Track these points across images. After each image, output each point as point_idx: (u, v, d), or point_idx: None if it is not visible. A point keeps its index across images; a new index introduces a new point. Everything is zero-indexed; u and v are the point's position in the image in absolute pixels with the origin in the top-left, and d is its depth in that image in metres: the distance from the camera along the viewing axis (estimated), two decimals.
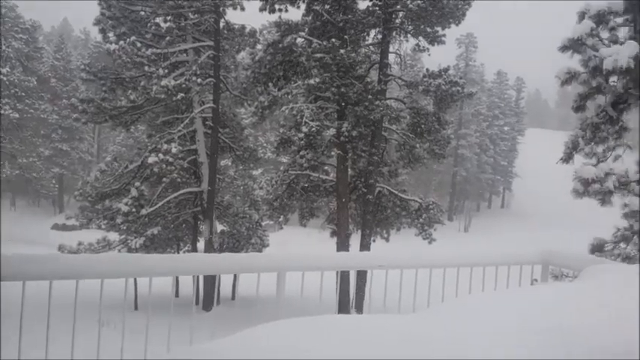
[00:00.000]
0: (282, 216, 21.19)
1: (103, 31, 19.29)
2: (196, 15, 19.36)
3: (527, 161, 66.20)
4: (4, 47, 41.51)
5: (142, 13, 19.33)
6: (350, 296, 17.42)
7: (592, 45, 10.94)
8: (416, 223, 20.04)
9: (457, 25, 18.49)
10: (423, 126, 19.00)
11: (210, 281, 18.39)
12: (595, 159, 11.56)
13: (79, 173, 48.95)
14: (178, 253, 23.49)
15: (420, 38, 19.16)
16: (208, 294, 19.36)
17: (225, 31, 20.32)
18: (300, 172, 19.26)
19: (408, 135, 19.62)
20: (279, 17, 17.92)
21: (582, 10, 11.45)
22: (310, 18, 18.34)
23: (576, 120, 12.29)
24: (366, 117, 17.43)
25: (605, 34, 11.57)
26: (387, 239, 21.80)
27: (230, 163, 25.14)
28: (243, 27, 20.54)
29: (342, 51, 16.49)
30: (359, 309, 17.88)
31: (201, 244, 21.83)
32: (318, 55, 16.45)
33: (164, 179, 19.29)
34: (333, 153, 19.46)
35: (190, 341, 3.23)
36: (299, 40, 17.66)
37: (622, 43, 10.54)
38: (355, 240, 19.67)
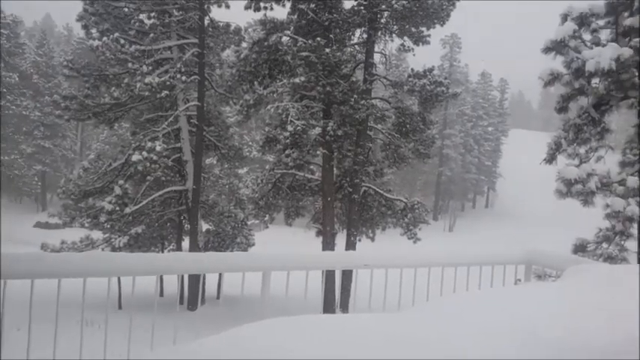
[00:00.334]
0: (267, 215, 21.17)
1: (86, 27, 19.07)
2: (181, 12, 19.25)
3: (510, 162, 66.85)
4: None
5: (126, 9, 19.16)
6: (335, 295, 17.44)
7: (574, 47, 11.07)
8: (401, 223, 20.12)
9: (442, 25, 18.61)
10: (408, 126, 19.08)
11: (195, 280, 18.29)
12: (577, 160, 11.70)
13: (61, 171, 48.34)
14: (163, 252, 23.34)
15: (405, 38, 19.24)
16: (193, 293, 19.26)
17: (210, 29, 20.22)
18: (286, 171, 19.24)
19: (393, 135, 19.69)
20: (265, 15, 17.87)
21: (565, 12, 11.58)
22: (296, 16, 18.32)
23: (559, 121, 12.43)
24: (352, 116, 17.46)
25: (587, 36, 11.71)
26: (372, 239, 21.86)
27: (215, 162, 25.02)
28: (228, 25, 20.45)
29: (327, 50, 16.49)
30: (344, 308, 17.90)
31: (186, 243, 21.70)
32: (304, 54, 16.44)
33: (148, 177, 19.15)
34: (318, 152, 19.47)
35: (174, 341, 3.21)
36: (284, 39, 17.63)
37: (604, 45, 10.68)
38: (341, 239, 19.70)
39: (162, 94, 17.68)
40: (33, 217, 45.31)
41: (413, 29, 18.69)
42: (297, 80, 16.36)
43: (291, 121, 16.69)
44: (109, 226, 18.89)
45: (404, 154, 20.17)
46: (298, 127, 16.79)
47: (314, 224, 21.93)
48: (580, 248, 11.55)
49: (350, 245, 19.19)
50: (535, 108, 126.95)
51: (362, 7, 17.96)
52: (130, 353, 3.17)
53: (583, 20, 11.56)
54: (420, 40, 19.04)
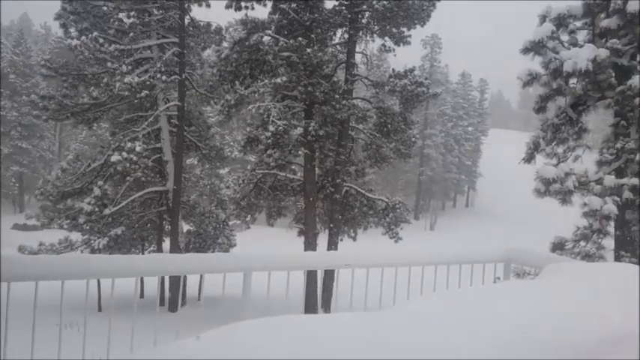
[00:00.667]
0: (249, 215, 21.07)
1: (64, 26, 18.81)
2: (161, 11, 19.10)
3: (490, 161, 67.53)
4: None
5: (105, 8, 18.94)
6: (317, 295, 17.45)
7: (552, 47, 11.23)
8: (383, 222, 20.20)
9: (422, 26, 18.72)
10: (389, 126, 19.16)
11: (176, 282, 18.13)
12: (556, 159, 11.87)
13: (39, 172, 47.63)
14: (143, 253, 23.13)
15: (386, 38, 19.31)
16: (174, 295, 19.10)
17: (191, 28, 20.11)
18: (268, 171, 19.19)
19: (374, 134, 19.76)
20: (246, 15, 17.80)
21: (543, 12, 11.74)
22: (277, 16, 18.29)
23: (538, 121, 12.60)
24: (333, 116, 17.48)
25: (565, 37, 11.89)
26: (354, 238, 21.90)
27: (196, 162, 24.87)
28: (208, 24, 20.35)
29: (308, 50, 16.48)
30: (326, 308, 17.93)
31: (166, 244, 21.53)
32: (285, 54, 16.41)
33: (128, 178, 18.97)
34: (300, 152, 19.45)
35: (155, 342, 3.18)
36: (266, 39, 17.57)
37: (581, 46, 10.86)
38: (323, 239, 19.71)
39: (142, 94, 17.53)
40: (10, 219, 44.50)
41: (394, 29, 18.77)
42: (278, 80, 16.32)
43: (272, 121, 16.64)
44: (88, 227, 18.66)
45: (385, 153, 20.25)
46: (280, 127, 16.75)
47: (296, 224, 21.91)
48: (558, 246, 11.71)
49: (332, 245, 19.21)
50: (514, 108, 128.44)
51: (343, 7, 17.99)
52: (110, 355, 3.13)
53: (561, 21, 11.74)
54: (400, 40, 19.14)
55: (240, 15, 18.05)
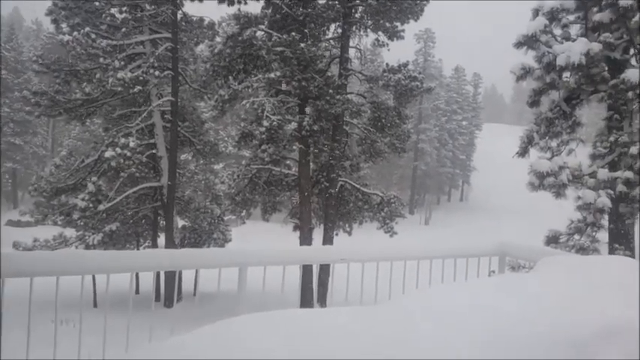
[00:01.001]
0: (244, 210, 21.06)
1: (55, 21, 18.67)
2: (153, 6, 18.97)
3: (484, 155, 67.70)
4: None
5: (97, 3, 18.81)
6: (313, 290, 17.48)
7: (546, 41, 11.24)
8: (378, 217, 20.23)
9: (416, 20, 18.70)
10: (383, 120, 19.17)
11: (172, 277, 18.14)
12: (549, 153, 11.91)
13: (33, 168, 47.38)
14: (138, 248, 23.10)
15: (380, 33, 19.27)
16: (170, 290, 19.11)
17: (183, 23, 20.00)
18: (262, 166, 19.16)
19: (369, 129, 19.75)
20: (239, 10, 17.72)
21: (536, 7, 11.75)
22: (270, 11, 18.23)
23: (531, 115, 12.64)
24: (327, 111, 17.46)
25: (558, 31, 11.91)
26: (349, 233, 21.93)
27: (190, 158, 24.80)
28: (201, 19, 20.25)
29: (302, 45, 16.43)
30: (322, 302, 17.96)
31: (161, 240, 21.50)
32: (279, 49, 16.36)
33: (122, 174, 18.89)
34: (294, 147, 19.43)
35: (150, 338, 3.18)
36: (259, 34, 17.51)
37: (574, 40, 10.87)
38: (318, 234, 19.72)
39: (135, 90, 17.44)
40: (4, 216, 44.29)
41: (387, 24, 18.73)
42: (272, 75, 16.28)
43: (266, 116, 16.61)
44: (82, 223, 18.61)
45: (380, 148, 20.26)
46: (274, 123, 16.73)
47: (291, 219, 21.91)
48: (553, 240, 11.77)
49: (327, 240, 19.23)
50: (508, 102, 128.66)
51: (336, 2, 17.94)
52: (105, 351, 3.13)
53: (554, 15, 11.75)
54: (394, 35, 19.10)
55: (233, 10, 17.99)
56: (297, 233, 19.70)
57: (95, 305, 16.91)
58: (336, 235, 20.33)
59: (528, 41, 11.35)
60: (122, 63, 17.89)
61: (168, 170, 19.95)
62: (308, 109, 18.06)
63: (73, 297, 3.55)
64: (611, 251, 11.33)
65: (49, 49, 37.73)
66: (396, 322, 1.73)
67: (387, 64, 19.46)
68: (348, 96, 18.77)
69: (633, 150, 10.29)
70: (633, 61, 11.36)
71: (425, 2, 18.15)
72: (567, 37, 11.75)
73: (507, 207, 55.40)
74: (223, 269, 3.47)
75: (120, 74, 17.04)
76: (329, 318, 1.79)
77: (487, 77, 72.13)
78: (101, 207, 18.25)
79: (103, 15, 18.85)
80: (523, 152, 12.42)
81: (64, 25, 18.67)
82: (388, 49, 20.03)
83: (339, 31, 19.30)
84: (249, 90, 17.13)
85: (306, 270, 14.83)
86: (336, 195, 19.45)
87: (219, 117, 19.99)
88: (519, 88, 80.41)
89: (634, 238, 11.69)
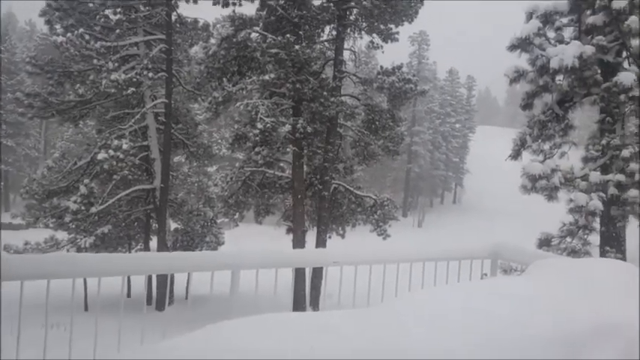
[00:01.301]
0: (237, 213, 21.02)
1: (49, 22, 18.60)
2: (147, 8, 18.94)
3: (477, 158, 67.92)
4: None
5: (91, 5, 18.75)
6: (306, 293, 17.46)
7: (539, 44, 11.29)
8: (371, 220, 20.24)
9: (410, 22, 18.76)
10: (377, 123, 19.19)
11: (163, 280, 18.06)
12: (542, 156, 11.96)
13: (25, 170, 47.11)
14: (130, 252, 23.00)
15: (374, 35, 19.32)
16: (161, 293, 19.02)
17: (178, 25, 19.98)
18: (256, 168, 19.14)
19: (362, 132, 19.77)
20: (233, 11, 17.73)
21: (530, 10, 11.80)
22: (265, 13, 18.22)
23: (524, 118, 12.68)
24: (322, 113, 17.47)
25: (551, 34, 11.96)
26: (342, 236, 21.94)
27: (184, 160, 24.73)
28: (196, 21, 20.23)
29: (297, 47, 16.44)
30: (315, 305, 17.93)
31: (153, 243, 21.42)
32: (273, 51, 16.36)
33: (115, 176, 18.81)
34: (288, 149, 19.42)
35: (141, 341, 3.16)
36: (253, 35, 17.51)
37: (567, 43, 10.92)
38: (311, 237, 19.71)
39: (129, 91, 17.40)
40: None
41: (382, 26, 18.78)
42: (266, 77, 16.27)
43: (260, 118, 16.60)
44: (74, 226, 18.52)
45: (373, 150, 20.28)
46: (268, 125, 16.71)
47: (284, 222, 21.90)
48: (545, 242, 11.80)
49: (320, 242, 19.22)
50: (501, 105, 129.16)
51: (331, 4, 17.97)
52: (96, 355, 3.11)
53: (547, 18, 11.81)
54: (388, 37, 19.15)
55: (227, 11, 17.99)
56: (290, 236, 19.69)
57: (86, 309, 16.83)
58: (330, 237, 20.33)
59: (522, 44, 11.40)
60: (116, 64, 17.85)
61: (162, 172, 19.89)
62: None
63: (64, 300, 3.53)
64: (603, 254, 11.38)
65: (43, 50, 37.55)
66: (390, 325, 1.73)
67: (381, 67, 19.50)
68: (342, 98, 18.79)
69: (625, 153, 10.35)
70: (626, 64, 11.43)
71: (419, 5, 18.22)
72: (561, 40, 11.81)
73: (500, 209, 55.59)
74: (215, 272, 3.46)
75: (113, 76, 16.99)
76: (322, 321, 1.78)
77: (482, 79, 72.45)
78: (93, 209, 18.16)
79: (97, 16, 18.78)
80: (516, 155, 12.46)
81: (57, 27, 18.61)
82: (382, 52, 20.09)
83: (334, 33, 19.33)
84: (244, 92, 17.11)
85: (299, 273, 14.82)
86: (329, 197, 19.45)
87: (213, 119, 19.97)
88: (513, 90, 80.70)
89: (625, 241, 11.74)
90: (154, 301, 19.63)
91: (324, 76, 18.65)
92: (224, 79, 17.55)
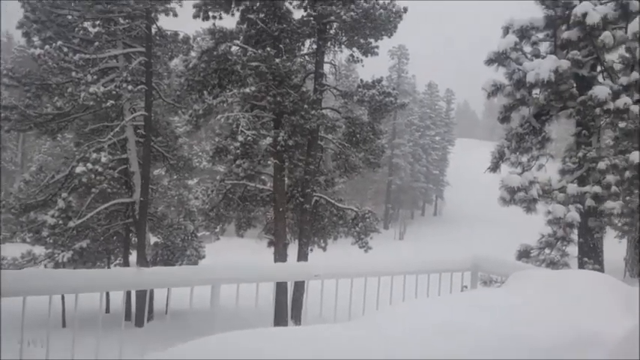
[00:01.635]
0: (218, 226, 20.87)
1: (27, 34, 18.37)
2: (127, 20, 18.85)
3: (457, 170, 68.54)
4: None
5: (69, 17, 18.58)
6: (287, 306, 17.34)
7: (516, 58, 11.49)
8: (352, 232, 20.23)
9: (389, 37, 18.94)
10: (358, 135, 19.28)
11: (142, 295, 17.82)
12: (520, 168, 12.11)
13: (1, 184, 46.30)
14: (109, 266, 22.69)
15: (354, 49, 19.46)
16: (141, 309, 18.74)
17: (158, 38, 19.90)
18: (237, 181, 19.05)
19: (343, 144, 19.83)
20: (214, 24, 17.73)
21: (507, 25, 12.01)
22: (245, 26, 18.26)
23: (502, 130, 12.84)
24: (302, 126, 17.50)
25: (528, 48, 12.18)
26: (324, 248, 21.89)
27: (164, 173, 24.53)
28: (176, 33, 20.17)
29: (277, 60, 16.49)
30: (297, 319, 17.83)
31: (133, 257, 21.14)
32: (254, 64, 16.38)
33: (93, 190, 18.58)
34: (269, 162, 19.39)
35: (120, 358, 3.11)
36: (234, 49, 17.53)
37: (543, 57, 11.13)
38: (293, 250, 19.63)
39: (108, 104, 17.24)
40: None
41: (361, 40, 18.93)
42: (247, 90, 16.27)
43: (241, 131, 16.56)
44: (51, 240, 18.20)
45: (354, 163, 20.34)
46: (249, 137, 16.68)
47: (266, 235, 21.78)
48: (524, 254, 11.91)
49: (302, 255, 19.15)
50: (480, 118, 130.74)
51: (311, 18, 18.08)
52: None
53: (524, 33, 12.03)
54: (368, 51, 19.31)
55: (207, 24, 18.01)
56: (272, 249, 19.59)
57: (64, 325, 16.51)
58: (311, 250, 20.27)
59: (499, 58, 11.59)
60: (95, 77, 17.69)
61: (141, 186, 19.69)
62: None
63: (41, 316, 3.46)
64: (581, 265, 11.52)
65: (20, 63, 37.08)
66: (371, 339, 1.73)
67: (361, 80, 19.63)
68: (323, 111, 18.86)
69: (601, 165, 10.54)
70: (600, 78, 11.67)
71: (398, 20, 18.40)
72: (537, 55, 12.02)
73: (480, 221, 56.05)
74: (196, 287, 3.43)
75: (92, 88, 16.84)
76: (303, 336, 1.77)
77: (461, 93, 73.42)
78: (71, 224, 17.89)
79: (76, 29, 18.62)
80: (494, 167, 12.61)
81: (35, 39, 18.39)
82: (362, 65, 20.24)
83: (314, 46, 19.43)
84: (224, 105, 17.08)
85: (281, 285, 14.73)
86: (310, 210, 19.43)
87: (193, 132, 19.88)
88: (491, 104, 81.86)
89: (602, 252, 11.92)
90: (133, 317, 19.31)
91: (304, 89, 18.71)
92: (204, 91, 17.51)
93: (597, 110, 10.41)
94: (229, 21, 18.36)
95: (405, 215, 61.04)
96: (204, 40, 17.58)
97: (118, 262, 22.39)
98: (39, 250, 19.20)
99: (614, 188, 10.41)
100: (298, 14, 18.70)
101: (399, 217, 60.38)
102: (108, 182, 18.34)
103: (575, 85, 11.42)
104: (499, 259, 4.32)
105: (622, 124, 11.08)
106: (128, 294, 18.40)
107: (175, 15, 19.15)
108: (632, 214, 14.81)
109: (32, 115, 18.60)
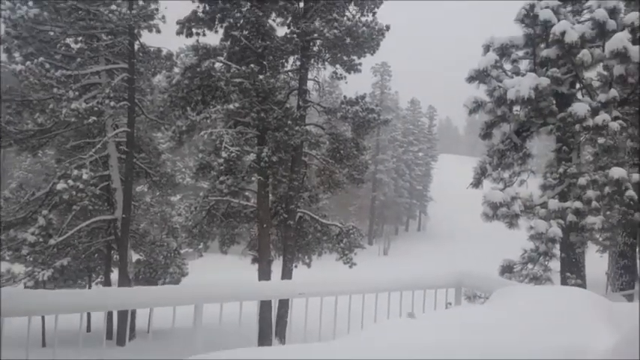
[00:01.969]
0: (201, 243, 20.70)
1: (8, 50, 18.22)
2: (110, 36, 18.81)
3: (440, 185, 69.03)
4: None
5: (51, 33, 18.47)
6: (272, 324, 17.20)
7: (496, 76, 11.66)
8: (337, 248, 20.18)
9: (372, 54, 19.11)
10: (342, 151, 19.35)
11: (124, 314, 17.53)
12: (502, 184, 12.23)
13: None
14: (90, 284, 22.36)
15: (337, 66, 19.60)
16: (122, 327, 18.45)
17: (141, 54, 19.86)
18: (221, 197, 18.96)
19: (327, 160, 19.87)
20: (197, 41, 17.77)
21: (487, 43, 12.20)
22: (229, 43, 18.32)
23: (484, 146, 12.98)
24: (286, 142, 17.52)
25: (508, 66, 12.38)
26: (308, 265, 21.80)
27: (146, 189, 24.34)
28: (159, 50, 20.15)
29: (261, 76, 16.54)
30: (281, 337, 17.67)
31: (115, 275, 20.85)
32: (237, 80, 16.41)
33: (74, 207, 18.35)
34: (253, 178, 19.34)
35: None
36: (218, 65, 17.55)
37: (523, 75, 11.32)
38: (277, 266, 19.52)
39: (90, 120, 17.11)
40: None
41: (344, 57, 19.08)
42: (231, 106, 16.27)
43: (225, 147, 16.53)
44: (32, 258, 17.91)
45: (338, 179, 20.36)
46: (233, 154, 16.64)
47: (250, 251, 21.65)
48: (507, 269, 11.98)
49: (286, 272, 19.05)
50: (462, 134, 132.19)
51: (295, 35, 18.20)
52: None
53: (504, 51, 12.23)
54: (351, 68, 19.46)
55: (191, 41, 18.04)
56: (256, 265, 19.47)
57: (44, 344, 16.19)
58: (296, 267, 20.18)
59: (480, 76, 11.75)
60: (77, 93, 17.56)
61: (123, 203, 19.51)
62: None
63: (20, 336, 3.39)
64: (563, 279, 11.62)
65: (1, 79, 36.77)
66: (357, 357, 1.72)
67: (344, 97, 19.74)
68: (307, 127, 18.91)
69: (582, 181, 10.68)
70: (579, 95, 11.88)
71: (381, 37, 18.60)
72: (517, 72, 12.22)
73: (464, 236, 56.38)
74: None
75: (74, 105, 16.71)
76: (287, 357, 1.76)
77: (443, 109, 74.31)
78: (52, 241, 17.63)
79: (58, 45, 18.51)
80: (477, 183, 12.72)
81: (16, 55, 18.25)
82: (346, 82, 20.39)
83: (298, 63, 19.53)
84: (208, 121, 17.05)
85: (264, 304, 14.62)
86: (295, 226, 19.38)
87: (176, 148, 19.79)
88: (472, 120, 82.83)
89: (584, 267, 12.04)
90: (115, 336, 19.02)
91: (288, 105, 18.76)
92: (188, 108, 17.47)
93: (577, 127, 10.57)
94: (213, 38, 18.43)
95: (389, 231, 61.17)
96: (187, 56, 17.59)
97: (99, 280, 22.08)
98: (19, 269, 18.87)
99: (594, 203, 10.54)
100: (282, 31, 18.84)
101: (383, 233, 60.48)
102: (89, 199, 18.14)
103: (554, 102, 11.61)
104: (482, 275, 4.35)
105: (601, 141, 11.26)
106: (110, 313, 18.11)
107: (159, 31, 19.14)
108: (613, 229, 15.03)
109: (12, 132, 18.38)
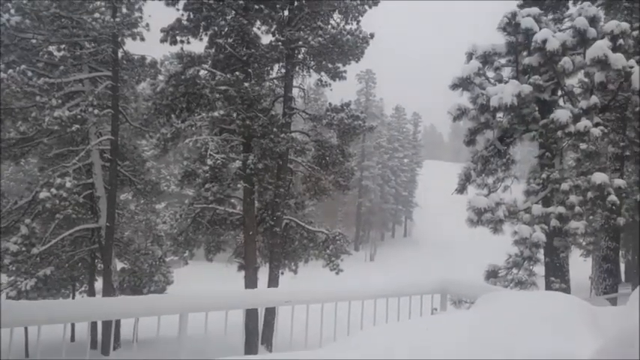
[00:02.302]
0: (187, 251, 20.56)
1: None
2: (93, 44, 18.71)
3: (426, 191, 69.37)
4: None
5: (34, 40, 18.33)
6: (258, 331, 17.12)
7: (479, 83, 11.78)
8: (323, 255, 20.16)
9: (357, 62, 19.21)
10: (327, 158, 19.38)
11: (108, 323, 17.37)
12: (486, 190, 12.32)
13: None
14: (74, 294, 22.10)
15: (322, 73, 19.68)
16: (107, 337, 18.25)
17: (124, 62, 19.77)
18: (206, 205, 18.87)
19: (313, 167, 19.88)
20: (181, 49, 17.72)
21: (470, 50, 12.32)
22: (213, 51, 18.28)
23: (469, 153, 13.08)
24: (272, 149, 17.51)
25: (491, 74, 12.50)
26: (295, 271, 21.75)
27: (131, 197, 24.16)
28: (143, 57, 20.08)
29: (246, 84, 16.53)
30: (268, 344, 17.59)
31: (99, 284, 20.63)
32: (222, 88, 16.38)
33: (57, 215, 18.15)
34: (239, 186, 19.28)
35: None
36: (202, 72, 17.50)
37: (506, 82, 11.44)
38: (263, 273, 19.46)
39: (73, 128, 16.98)
40: None
41: (329, 65, 19.16)
42: (216, 114, 16.23)
43: (210, 154, 16.47)
44: (14, 268, 17.69)
45: (324, 185, 20.37)
46: (218, 161, 16.59)
47: (236, 259, 21.55)
48: (492, 274, 12.05)
49: (273, 279, 18.99)
50: (446, 140, 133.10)
51: (279, 43, 18.22)
52: None
53: (486, 59, 12.35)
54: (336, 75, 19.54)
55: (175, 49, 17.98)
56: (242, 273, 19.38)
57: (27, 355, 15.95)
58: (282, 273, 20.12)
59: (463, 83, 11.86)
60: (59, 101, 17.43)
61: (107, 211, 19.35)
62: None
63: (2, 347, 3.34)
64: (548, 284, 11.71)
65: None
66: None
67: (330, 104, 19.80)
68: (293, 134, 18.93)
69: (564, 186, 10.80)
70: (561, 102, 12.04)
71: (365, 45, 18.71)
72: (500, 80, 12.35)
73: (450, 241, 56.63)
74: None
75: (57, 113, 16.57)
76: None
77: (427, 116, 74.81)
78: (35, 250, 17.43)
79: (40, 53, 18.35)
80: (462, 189, 12.80)
81: None
82: (331, 89, 20.45)
83: (283, 71, 19.57)
84: (193, 128, 16.98)
85: (251, 311, 14.56)
86: (281, 233, 19.34)
87: (161, 156, 19.66)
88: (457, 126, 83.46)
89: (568, 271, 12.15)
90: (99, 345, 18.80)
91: (273, 112, 18.76)
92: (172, 115, 17.40)
93: (559, 133, 10.69)
94: (197, 45, 18.40)
95: (375, 237, 61.30)
96: (172, 64, 17.53)
97: (83, 289, 21.84)
98: (1, 279, 18.61)
99: (577, 208, 10.66)
100: (267, 39, 18.85)
101: (369, 239, 60.58)
102: (73, 207, 17.96)
103: (537, 109, 11.74)
104: (467, 281, 4.38)
105: (583, 146, 11.44)
106: (94, 322, 17.93)
107: (143, 39, 19.08)
108: (596, 234, 15.21)
109: None
